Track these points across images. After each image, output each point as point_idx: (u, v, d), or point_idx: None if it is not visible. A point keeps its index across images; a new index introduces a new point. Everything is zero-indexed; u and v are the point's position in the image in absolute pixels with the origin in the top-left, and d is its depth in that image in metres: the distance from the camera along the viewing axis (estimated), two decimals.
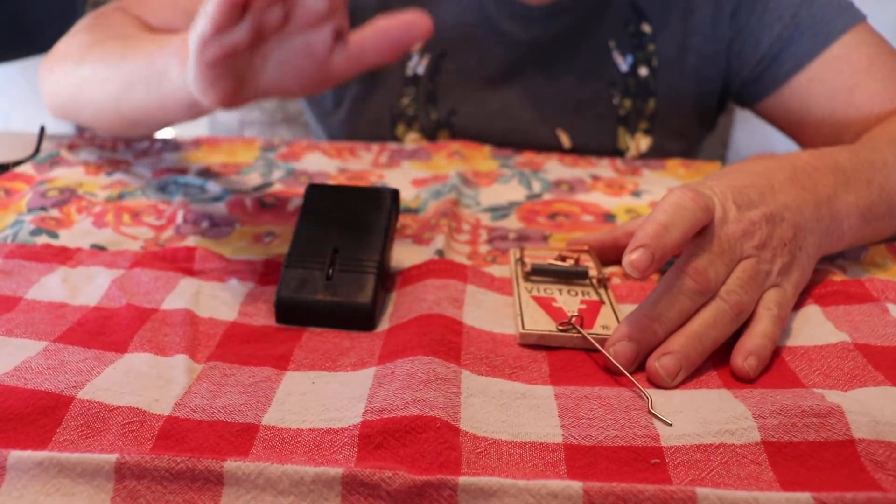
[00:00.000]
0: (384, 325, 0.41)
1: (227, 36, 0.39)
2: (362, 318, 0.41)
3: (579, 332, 0.39)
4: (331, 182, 0.64)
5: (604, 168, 0.68)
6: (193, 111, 0.49)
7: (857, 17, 0.64)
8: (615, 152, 0.76)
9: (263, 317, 0.42)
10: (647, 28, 0.71)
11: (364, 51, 0.40)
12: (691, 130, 0.78)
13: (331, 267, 0.43)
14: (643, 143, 0.76)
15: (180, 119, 0.52)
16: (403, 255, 0.50)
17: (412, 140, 0.78)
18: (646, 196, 0.61)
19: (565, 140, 0.75)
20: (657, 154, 0.76)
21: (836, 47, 0.63)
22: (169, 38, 0.50)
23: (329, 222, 0.45)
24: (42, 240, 0.50)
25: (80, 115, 0.63)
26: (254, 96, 0.44)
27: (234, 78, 0.42)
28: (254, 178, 0.64)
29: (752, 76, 0.69)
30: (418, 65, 0.75)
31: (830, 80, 0.64)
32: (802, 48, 0.65)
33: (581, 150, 0.75)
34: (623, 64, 0.73)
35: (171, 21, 0.66)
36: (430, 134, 0.77)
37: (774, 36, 0.66)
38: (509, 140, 0.74)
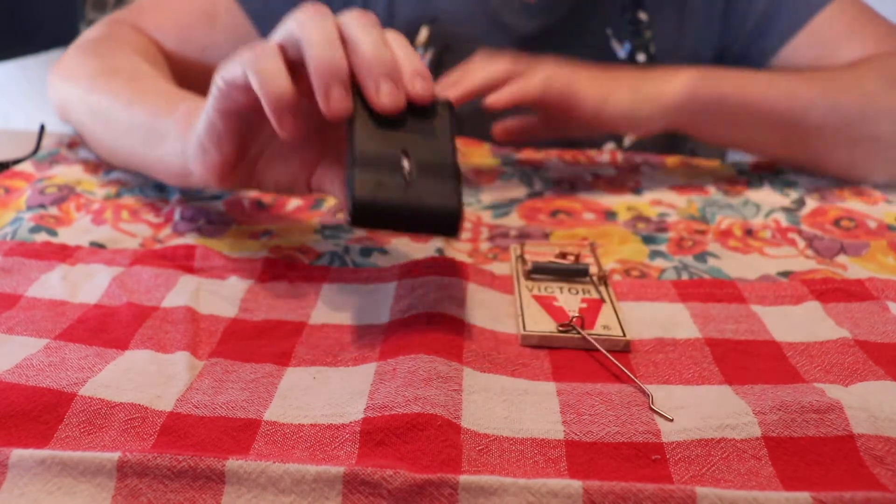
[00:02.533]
0: (384, 316, 0.41)
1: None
2: (449, 225, 0.37)
3: (580, 333, 0.39)
4: None
5: (604, 166, 0.68)
6: (183, 180, 0.50)
7: None
8: (613, 137, 0.76)
9: (264, 313, 0.42)
10: (643, 16, 0.73)
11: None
12: None
13: (406, 169, 0.38)
14: None
15: (169, 182, 0.53)
16: (401, 252, 0.50)
17: None
18: (647, 194, 0.61)
19: None
20: (654, 141, 0.76)
21: (818, 19, 0.65)
22: (176, 101, 0.51)
23: (388, 125, 0.39)
24: (41, 237, 0.50)
25: (82, 135, 0.65)
26: (246, 179, 0.46)
27: (235, 146, 0.43)
28: None
29: (742, 52, 0.71)
30: (422, 58, 0.76)
31: (812, 50, 0.66)
32: (786, 22, 0.67)
33: (580, 137, 0.75)
34: (621, 51, 0.74)
35: (176, 46, 0.69)
36: None
37: (759, 13, 0.68)
38: None
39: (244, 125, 0.43)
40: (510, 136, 0.60)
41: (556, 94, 0.57)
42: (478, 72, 0.58)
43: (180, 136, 0.47)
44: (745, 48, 0.70)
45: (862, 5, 0.66)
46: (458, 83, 0.58)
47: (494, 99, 0.57)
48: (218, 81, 0.41)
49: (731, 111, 0.59)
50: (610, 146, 0.76)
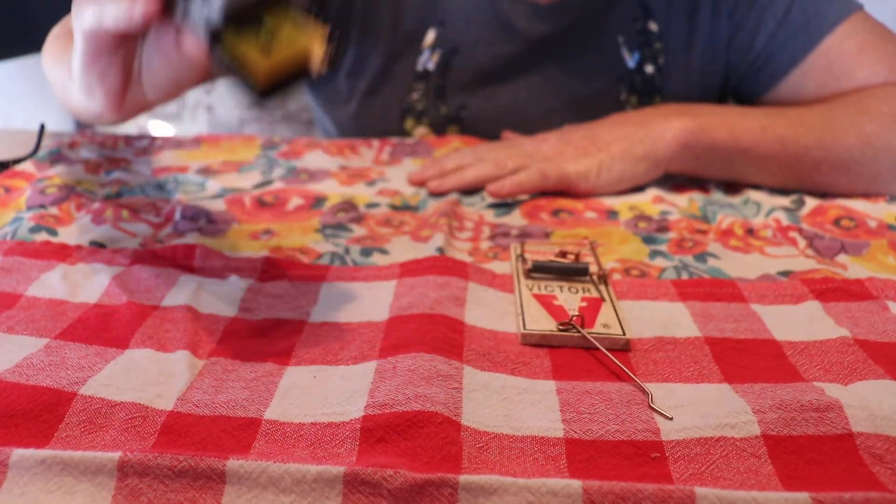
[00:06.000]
0: (384, 315, 0.41)
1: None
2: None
3: (579, 332, 0.39)
4: (331, 180, 0.64)
5: None
6: (103, 119, 0.50)
7: (850, 8, 0.65)
8: None
9: (264, 312, 0.42)
10: (653, 26, 0.72)
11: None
12: None
13: None
14: None
15: (107, 122, 0.53)
16: (401, 252, 0.50)
17: (420, 135, 0.78)
18: (649, 191, 0.61)
19: None
20: None
21: (829, 40, 0.64)
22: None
23: None
24: (41, 237, 0.50)
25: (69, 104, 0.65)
26: (141, 100, 0.46)
27: (119, 74, 0.44)
28: (254, 176, 0.64)
29: (750, 73, 0.70)
30: (429, 60, 0.75)
31: (822, 72, 0.65)
32: (796, 44, 0.65)
33: None
34: (630, 61, 0.73)
35: None
36: (440, 129, 0.78)
37: (769, 34, 0.67)
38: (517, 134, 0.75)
39: (119, 56, 0.43)
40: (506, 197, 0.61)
41: (553, 182, 0.60)
42: (467, 172, 0.61)
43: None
44: (754, 70, 0.69)
45: (874, 24, 0.65)
46: (447, 180, 0.61)
47: (496, 189, 0.59)
48: (77, 30, 0.41)
49: (725, 157, 0.60)
50: None
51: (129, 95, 0.46)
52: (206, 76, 0.45)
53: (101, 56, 0.43)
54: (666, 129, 0.60)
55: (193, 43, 0.39)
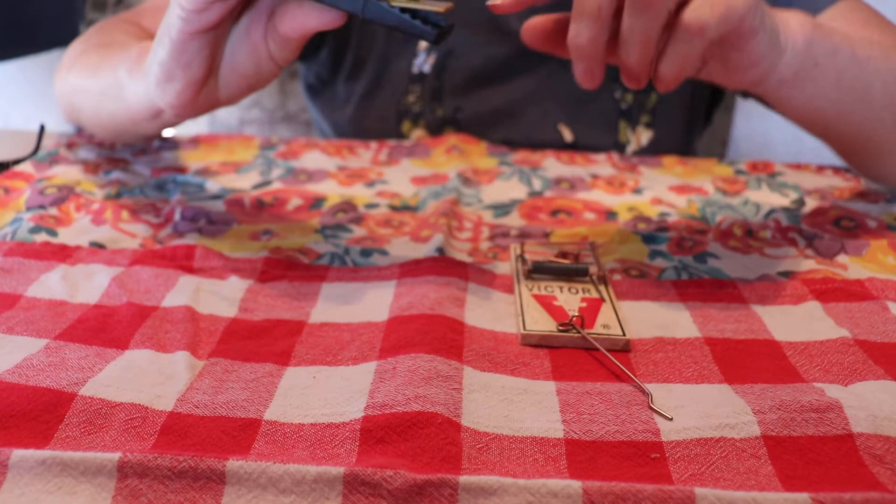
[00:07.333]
0: (384, 315, 0.41)
1: (204, 14, 0.41)
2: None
3: (579, 333, 0.39)
4: (330, 181, 0.64)
5: (602, 165, 0.68)
6: (154, 122, 0.51)
7: None
8: (616, 146, 0.76)
9: (264, 312, 0.42)
10: None
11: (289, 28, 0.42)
12: (690, 124, 0.79)
13: None
14: (644, 136, 0.76)
15: (150, 130, 0.53)
16: (401, 252, 0.50)
17: (417, 137, 0.78)
18: (647, 193, 0.61)
19: (567, 134, 0.76)
20: (657, 147, 0.76)
21: (830, 12, 0.62)
22: (131, 49, 0.52)
23: None
24: (41, 237, 0.50)
25: (80, 122, 0.67)
26: (213, 97, 0.46)
27: (206, 64, 0.44)
28: (253, 177, 0.64)
29: None
30: (425, 63, 0.76)
31: None
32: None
33: (582, 143, 0.75)
34: None
35: None
36: (436, 130, 0.78)
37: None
38: (512, 135, 0.75)
39: (211, 41, 0.43)
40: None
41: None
42: None
43: (137, 77, 0.48)
44: None
45: (871, 10, 0.65)
46: None
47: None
48: (183, 3, 0.41)
49: (840, 69, 0.49)
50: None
51: (203, 90, 0.45)
52: (280, 69, 0.45)
53: (194, 39, 0.42)
54: (787, 16, 0.47)
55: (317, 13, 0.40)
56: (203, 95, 0.46)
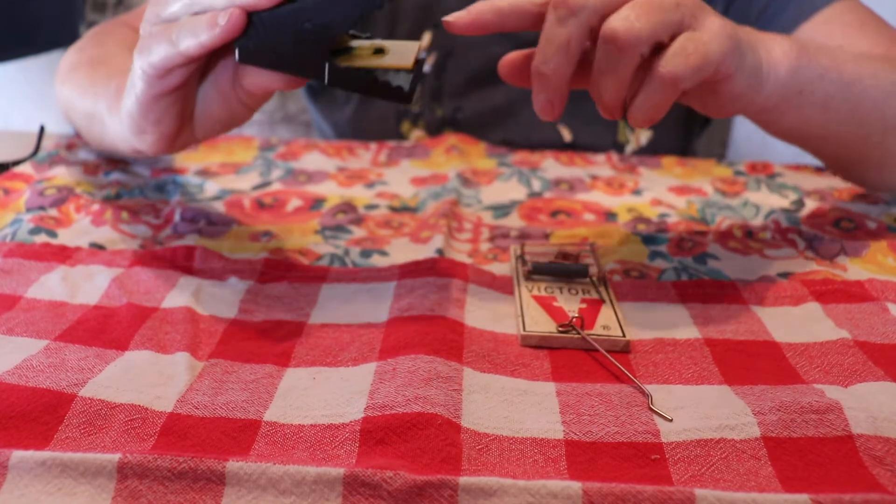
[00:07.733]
0: (384, 317, 0.41)
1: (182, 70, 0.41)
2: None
3: (579, 334, 0.39)
4: (330, 182, 0.64)
5: (601, 166, 0.68)
6: (139, 155, 0.51)
7: None
8: (615, 146, 0.76)
9: (264, 313, 0.42)
10: None
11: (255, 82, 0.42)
12: (689, 124, 0.79)
13: None
14: (643, 136, 0.76)
15: (137, 156, 0.53)
16: (401, 253, 0.50)
17: (417, 137, 0.78)
18: (647, 193, 0.61)
19: (566, 134, 0.76)
20: (656, 147, 0.76)
21: (826, 13, 0.63)
22: (110, 81, 0.51)
23: None
24: (41, 239, 0.50)
25: (77, 130, 0.67)
26: (190, 137, 0.46)
27: (176, 120, 0.44)
28: (253, 178, 0.64)
29: None
30: (424, 63, 0.76)
31: (821, 41, 0.62)
32: (788, 17, 0.65)
33: (581, 143, 0.75)
34: None
35: None
36: (435, 131, 0.78)
37: (760, 8, 0.67)
38: (512, 135, 0.75)
39: (180, 98, 0.43)
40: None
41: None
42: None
43: (115, 117, 0.47)
44: None
45: (867, 10, 0.65)
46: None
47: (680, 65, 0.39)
48: (144, 68, 0.40)
49: (827, 93, 0.48)
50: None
51: (180, 135, 0.45)
52: (253, 112, 0.45)
53: (162, 98, 0.42)
54: (771, 43, 0.46)
55: (259, 77, 0.40)
56: (180, 139, 0.46)
